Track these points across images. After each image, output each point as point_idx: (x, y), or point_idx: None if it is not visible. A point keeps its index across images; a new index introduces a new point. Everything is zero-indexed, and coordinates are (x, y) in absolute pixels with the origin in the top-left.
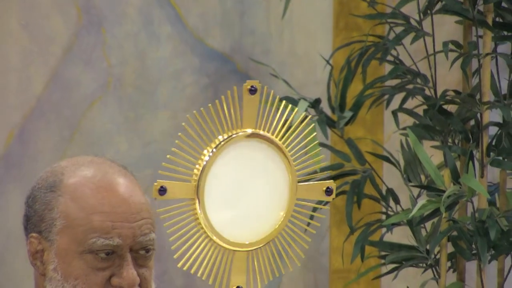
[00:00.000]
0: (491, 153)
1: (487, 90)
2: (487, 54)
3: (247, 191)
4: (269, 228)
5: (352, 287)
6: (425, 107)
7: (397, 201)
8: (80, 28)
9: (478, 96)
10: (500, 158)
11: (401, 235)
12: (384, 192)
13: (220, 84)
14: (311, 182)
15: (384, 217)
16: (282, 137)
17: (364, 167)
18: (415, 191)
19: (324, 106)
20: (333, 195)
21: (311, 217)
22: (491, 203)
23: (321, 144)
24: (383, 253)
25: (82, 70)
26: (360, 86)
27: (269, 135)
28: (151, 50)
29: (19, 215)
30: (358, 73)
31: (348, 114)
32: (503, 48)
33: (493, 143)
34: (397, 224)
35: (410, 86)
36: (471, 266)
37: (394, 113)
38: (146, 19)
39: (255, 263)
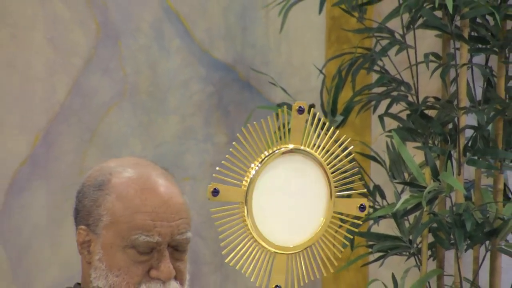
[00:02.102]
0: (467, 153)
1: (464, 97)
2: (463, 65)
3: (289, 199)
4: (307, 236)
5: (343, 274)
6: (408, 112)
7: (383, 196)
8: (99, 41)
9: (455, 102)
10: (475, 157)
11: (387, 227)
12: (371, 188)
13: (224, 91)
14: (347, 198)
15: (371, 210)
16: (324, 153)
17: (353, 165)
18: (399, 187)
19: (318, 111)
20: (366, 211)
21: (352, 231)
22: (467, 198)
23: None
24: (370, 243)
25: (101, 79)
26: (350, 93)
27: (310, 150)
28: (162, 61)
29: (44, 209)
30: (348, 81)
31: (339, 118)
32: (477, 59)
33: (469, 144)
34: (383, 216)
35: (395, 93)
36: (449, 255)
37: (381, 117)
38: (158, 33)
39: (294, 265)
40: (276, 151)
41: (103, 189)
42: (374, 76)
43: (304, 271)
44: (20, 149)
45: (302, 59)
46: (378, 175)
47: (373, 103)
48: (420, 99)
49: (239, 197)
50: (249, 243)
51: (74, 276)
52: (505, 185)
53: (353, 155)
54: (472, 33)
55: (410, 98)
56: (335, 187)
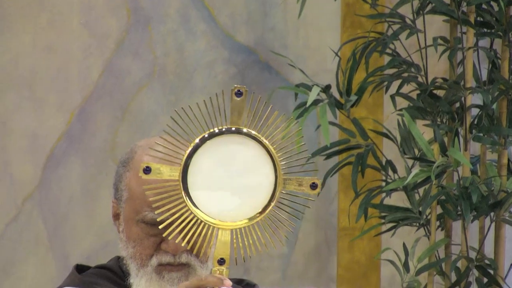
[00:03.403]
0: (473, 130)
1: (470, 78)
2: (469, 48)
3: (230, 178)
4: (252, 213)
5: (357, 243)
6: (418, 92)
7: (394, 170)
8: (130, 26)
9: (462, 83)
10: (481, 134)
11: (398, 199)
12: (383, 163)
13: (246, 72)
14: (299, 177)
15: (384, 184)
16: (268, 134)
17: (367, 142)
18: (410, 162)
19: (334, 91)
20: (318, 190)
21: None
22: (473, 172)
23: (331, 123)
24: (383, 214)
25: (132, 61)
26: (363, 74)
27: (251, 131)
28: (189, 44)
29: (79, 182)
30: (361, 63)
31: (353, 97)
32: (483, 42)
33: (475, 122)
34: (395, 189)
35: (405, 74)
36: (456, 225)
37: (392, 97)
38: (185, 18)
39: (239, 239)
40: (215, 131)
41: (125, 166)
42: (386, 59)
43: (252, 246)
44: (57, 126)
45: (319, 43)
46: (390, 151)
47: (385, 83)
48: (429, 80)
49: (175, 175)
50: (189, 218)
51: (107, 245)
52: (508, 160)
53: (301, 136)
54: (478, 18)
55: (419, 79)
56: (284, 168)
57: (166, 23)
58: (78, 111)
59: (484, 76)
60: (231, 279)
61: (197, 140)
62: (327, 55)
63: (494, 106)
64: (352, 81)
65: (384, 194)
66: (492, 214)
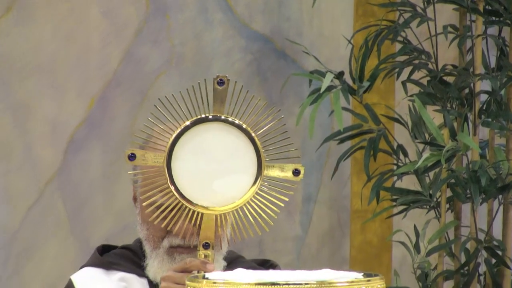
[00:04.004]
0: (482, 116)
1: (479, 65)
2: (478, 35)
3: (214, 165)
4: (235, 198)
5: (369, 225)
6: (428, 78)
7: (405, 154)
8: (149, 15)
9: (471, 69)
10: (489, 119)
11: (409, 182)
12: (395, 147)
13: (262, 60)
14: (282, 164)
15: (395, 167)
16: (251, 122)
17: (379, 127)
18: (420, 146)
19: (347, 77)
20: (301, 176)
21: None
22: (482, 156)
23: (344, 108)
24: (394, 197)
25: (150, 49)
26: (375, 61)
27: (234, 118)
28: (206, 33)
29: (99, 166)
30: (374, 51)
31: (366, 84)
32: (491, 30)
33: (484, 108)
34: (406, 173)
35: (416, 61)
36: (466, 208)
37: (403, 83)
38: (202, 7)
39: (224, 223)
40: (198, 119)
41: (148, 143)
42: (398, 46)
43: (237, 230)
44: (77, 112)
45: (332, 31)
46: (401, 135)
47: (396, 70)
48: (439, 67)
49: (160, 161)
50: (174, 203)
51: (126, 227)
52: None
53: (284, 124)
54: (487, 7)
55: (430, 66)
56: (267, 155)
57: (184, 12)
58: (98, 98)
59: (493, 63)
60: (256, 260)
61: (180, 128)
62: (340, 43)
63: (503, 92)
64: (364, 68)
65: (395, 178)
66: (500, 197)
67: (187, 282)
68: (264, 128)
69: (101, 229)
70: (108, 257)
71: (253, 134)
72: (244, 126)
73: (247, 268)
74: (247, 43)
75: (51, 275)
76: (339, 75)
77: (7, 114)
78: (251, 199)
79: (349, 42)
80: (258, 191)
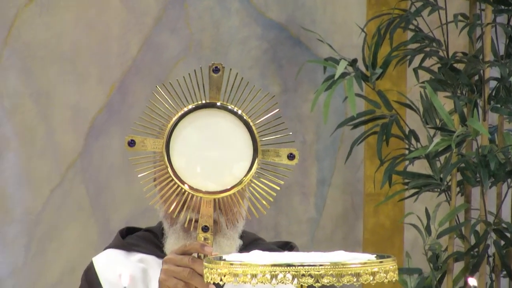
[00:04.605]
0: (491, 102)
1: (488, 52)
2: (488, 24)
3: (212, 150)
4: (232, 182)
5: (382, 207)
6: (439, 65)
7: (417, 139)
8: (168, 3)
9: (481, 57)
10: (498, 105)
11: (420, 166)
12: (407, 132)
13: (278, 47)
14: (277, 148)
15: (407, 152)
16: (246, 108)
17: (391, 112)
18: (431, 131)
19: (360, 64)
20: (296, 160)
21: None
22: (491, 141)
23: (357, 95)
24: (406, 181)
25: (169, 36)
26: (388, 49)
27: (229, 105)
28: (224, 21)
29: (119, 151)
30: (386, 38)
31: (378, 71)
32: (500, 19)
33: (493, 94)
34: (417, 157)
35: (427, 49)
36: (475, 191)
37: (415, 70)
38: None
39: (222, 208)
40: (194, 106)
41: (161, 134)
42: (409, 34)
43: (235, 213)
44: (98, 98)
45: (346, 19)
46: (412, 121)
47: (408, 57)
48: (450, 54)
49: (159, 147)
50: (173, 188)
51: (145, 210)
52: None
53: (278, 110)
54: None
55: (440, 53)
56: (262, 140)
57: (202, 1)
58: (118, 84)
59: (502, 50)
60: (277, 243)
61: (178, 114)
62: (354, 31)
63: (511, 78)
64: (377, 55)
65: (407, 162)
66: (509, 180)
67: (205, 264)
68: (260, 114)
69: (121, 212)
70: (129, 239)
71: (248, 120)
72: (240, 112)
73: (265, 250)
74: (263, 31)
75: (73, 256)
76: (353, 62)
77: (30, 101)
78: (247, 184)
79: (362, 30)
80: (254, 176)
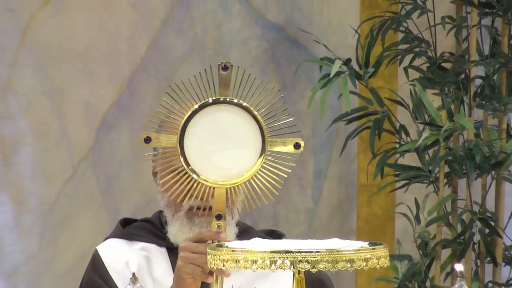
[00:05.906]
0: (477, 99)
1: (474, 52)
2: (473, 26)
3: (223, 143)
4: (244, 172)
5: (374, 198)
6: (428, 64)
7: (407, 133)
8: (174, 6)
9: (467, 57)
10: (483, 102)
11: (410, 159)
12: (397, 127)
13: (277, 47)
14: (284, 139)
15: (398, 146)
16: (254, 102)
17: (383, 108)
18: (421, 126)
19: (354, 64)
20: (301, 149)
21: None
22: (477, 135)
23: (351, 92)
24: (397, 172)
25: (175, 37)
26: (380, 49)
27: (238, 100)
28: (226, 22)
29: (128, 144)
30: (378, 39)
31: (371, 69)
32: (485, 21)
33: (478, 91)
34: (407, 151)
35: (417, 49)
36: (462, 182)
37: (405, 69)
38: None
39: (234, 196)
40: (205, 102)
41: (162, 126)
42: (400, 35)
43: (245, 202)
44: (108, 95)
45: (341, 21)
46: (403, 116)
47: (399, 57)
48: (438, 54)
49: (173, 142)
50: (188, 180)
51: (151, 201)
52: (507, 125)
53: (283, 102)
54: (481, 0)
55: (429, 53)
56: (270, 131)
57: (206, 4)
58: (127, 82)
59: (486, 50)
60: (264, 231)
61: (190, 111)
62: (348, 32)
63: (495, 77)
64: (370, 55)
65: (398, 155)
66: (493, 172)
67: (209, 250)
68: (266, 107)
69: (130, 202)
70: (129, 229)
71: (256, 113)
72: (248, 106)
73: (256, 237)
74: (263, 32)
75: (84, 244)
76: (347, 62)
77: (44, 98)
78: (257, 173)
79: (356, 31)
80: (263, 165)
